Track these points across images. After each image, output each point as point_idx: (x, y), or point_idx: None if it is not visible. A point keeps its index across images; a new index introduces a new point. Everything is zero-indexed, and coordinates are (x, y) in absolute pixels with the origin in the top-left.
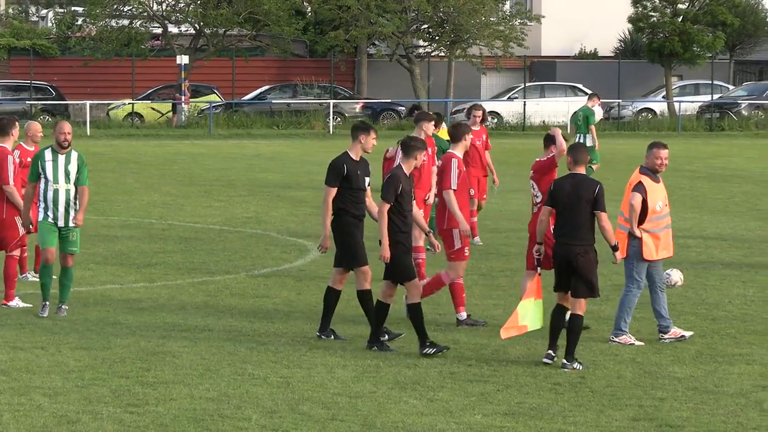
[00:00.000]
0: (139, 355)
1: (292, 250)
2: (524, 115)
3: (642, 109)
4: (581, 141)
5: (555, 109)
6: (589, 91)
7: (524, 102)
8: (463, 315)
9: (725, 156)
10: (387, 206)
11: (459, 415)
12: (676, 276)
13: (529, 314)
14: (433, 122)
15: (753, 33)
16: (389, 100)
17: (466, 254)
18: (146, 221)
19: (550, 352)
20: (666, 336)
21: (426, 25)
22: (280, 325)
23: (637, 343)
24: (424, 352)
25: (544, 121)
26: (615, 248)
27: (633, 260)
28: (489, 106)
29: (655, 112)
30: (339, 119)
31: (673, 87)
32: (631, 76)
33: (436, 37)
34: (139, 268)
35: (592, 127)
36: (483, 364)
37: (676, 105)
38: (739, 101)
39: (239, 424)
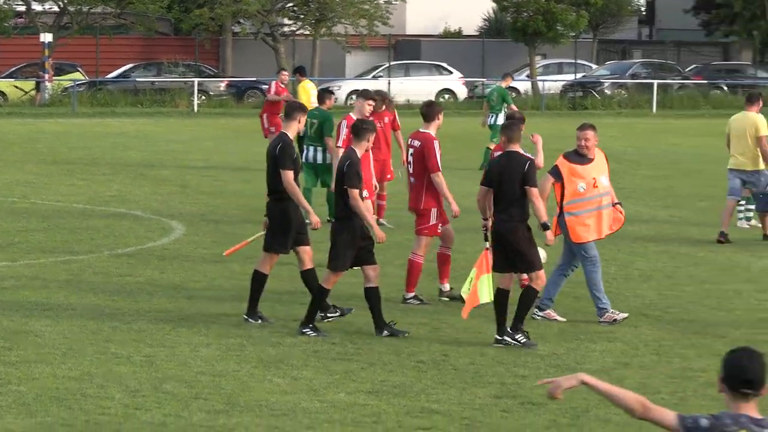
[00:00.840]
0: (1, 334)
1: (156, 229)
2: (389, 94)
3: (506, 87)
4: (495, 120)
5: (419, 87)
6: (454, 70)
7: (389, 81)
8: (411, 294)
9: None
10: (357, 192)
11: (323, 393)
12: (542, 254)
13: (485, 289)
14: (372, 100)
15: (616, 12)
16: (254, 79)
17: (439, 231)
18: (8, 200)
19: (498, 337)
20: (540, 313)
21: (291, 4)
22: (144, 304)
23: (620, 316)
24: (383, 334)
25: (408, 100)
26: (545, 227)
27: (574, 241)
28: (354, 84)
29: (519, 91)
30: (203, 98)
31: (537, 66)
32: (496, 55)
33: (302, 16)
34: (1, 247)
35: (513, 106)
36: (347, 343)
37: (540, 84)
38: (602, 80)
39: (102, 403)
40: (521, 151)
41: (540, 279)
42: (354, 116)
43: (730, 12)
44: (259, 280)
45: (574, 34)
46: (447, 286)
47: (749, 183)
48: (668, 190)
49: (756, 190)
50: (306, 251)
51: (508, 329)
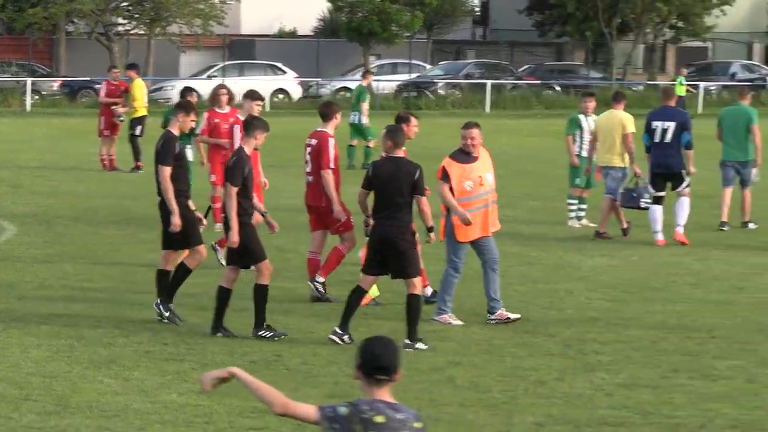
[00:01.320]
0: None
1: None
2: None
3: (340, 87)
4: (357, 119)
5: (254, 87)
6: (288, 70)
7: (223, 81)
8: (321, 280)
9: (422, 134)
10: (235, 189)
11: (154, 394)
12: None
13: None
14: (260, 101)
15: (450, 13)
16: (88, 78)
17: (352, 223)
18: None
19: (337, 329)
20: (492, 317)
21: (126, 3)
22: None
23: (456, 322)
24: (260, 333)
25: None
26: (430, 229)
27: (448, 241)
28: (188, 84)
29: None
30: (36, 97)
31: (372, 66)
32: (330, 55)
33: (136, 15)
34: None
35: (364, 105)
36: (180, 343)
37: (375, 84)
38: (436, 80)
39: None
40: (407, 157)
41: (417, 285)
42: (242, 118)
43: (563, 13)
44: (166, 276)
45: (408, 34)
46: (322, 279)
47: (616, 179)
48: (501, 190)
49: (625, 188)
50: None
51: (407, 341)
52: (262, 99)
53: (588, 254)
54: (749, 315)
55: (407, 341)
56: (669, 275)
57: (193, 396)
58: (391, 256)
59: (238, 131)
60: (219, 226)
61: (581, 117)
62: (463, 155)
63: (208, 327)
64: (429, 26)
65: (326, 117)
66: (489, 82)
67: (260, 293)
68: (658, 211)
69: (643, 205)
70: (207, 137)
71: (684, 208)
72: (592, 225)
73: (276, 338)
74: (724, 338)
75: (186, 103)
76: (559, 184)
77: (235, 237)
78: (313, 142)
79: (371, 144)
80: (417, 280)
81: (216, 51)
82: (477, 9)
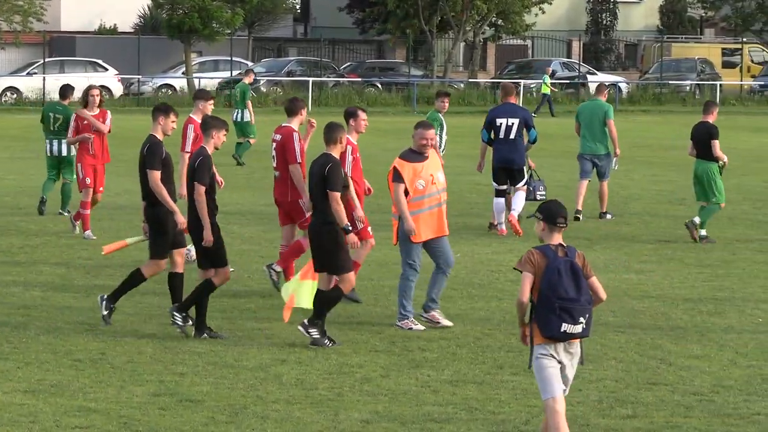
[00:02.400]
0: None
1: None
2: (44, 91)
3: (162, 85)
4: (240, 117)
5: (74, 84)
6: (109, 67)
7: (44, 77)
8: (278, 269)
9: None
10: (203, 188)
11: None
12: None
13: (305, 295)
14: (211, 100)
15: (271, 10)
16: None
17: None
18: None
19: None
20: (425, 315)
21: None
22: None
23: (417, 327)
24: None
25: None
26: (346, 230)
27: (401, 244)
28: (8, 81)
29: (175, 88)
30: None
31: (193, 63)
32: (151, 52)
33: None
34: None
35: (249, 102)
36: (3, 342)
37: (196, 81)
38: (258, 78)
39: None
40: (334, 154)
41: (348, 282)
42: (196, 118)
43: (384, 10)
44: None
45: (229, 31)
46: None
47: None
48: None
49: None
50: (180, 254)
51: (305, 321)
52: (213, 98)
53: None
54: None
55: (305, 322)
56: (492, 272)
57: (18, 395)
58: (313, 249)
59: (191, 132)
60: (89, 234)
61: (440, 115)
62: (414, 155)
63: (32, 325)
64: (250, 24)
65: (291, 112)
66: (311, 80)
67: (204, 288)
68: (500, 203)
69: (539, 197)
70: (74, 137)
71: (521, 199)
72: None
73: (181, 331)
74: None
75: (164, 106)
76: (380, 182)
77: (209, 235)
78: (278, 137)
79: (252, 141)
80: (344, 277)
81: (36, 48)
82: (298, 6)
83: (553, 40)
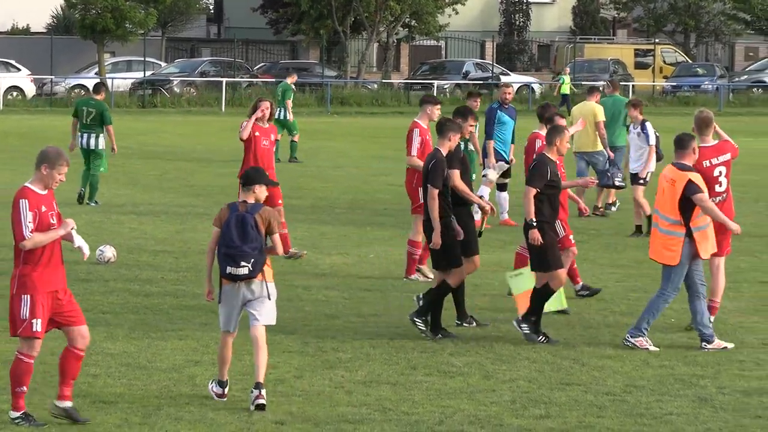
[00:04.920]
0: None
1: None
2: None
3: (75, 85)
4: (282, 115)
5: None
6: (22, 67)
7: None
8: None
9: (158, 132)
10: (437, 191)
11: None
12: (109, 252)
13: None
14: (438, 105)
15: (185, 10)
16: None
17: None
18: None
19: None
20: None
21: None
22: None
23: (653, 348)
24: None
25: None
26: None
27: (681, 265)
28: None
29: (88, 89)
30: None
31: (106, 63)
32: (65, 53)
33: None
34: None
35: (288, 102)
36: None
37: (110, 81)
38: (171, 78)
39: None
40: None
41: (557, 279)
42: (422, 123)
43: (298, 11)
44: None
45: (143, 31)
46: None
47: (592, 163)
48: (236, 189)
49: (599, 168)
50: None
51: (519, 316)
52: (440, 102)
53: (325, 252)
54: (484, 311)
55: (518, 317)
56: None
57: None
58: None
59: (417, 136)
60: None
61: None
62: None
63: None
64: (163, 24)
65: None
66: (224, 80)
67: (443, 290)
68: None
69: (617, 183)
70: None
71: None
72: None
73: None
74: (461, 335)
75: (465, 109)
76: (293, 182)
77: (437, 239)
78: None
79: (296, 138)
80: (552, 274)
81: None
82: (211, 7)
83: (467, 41)
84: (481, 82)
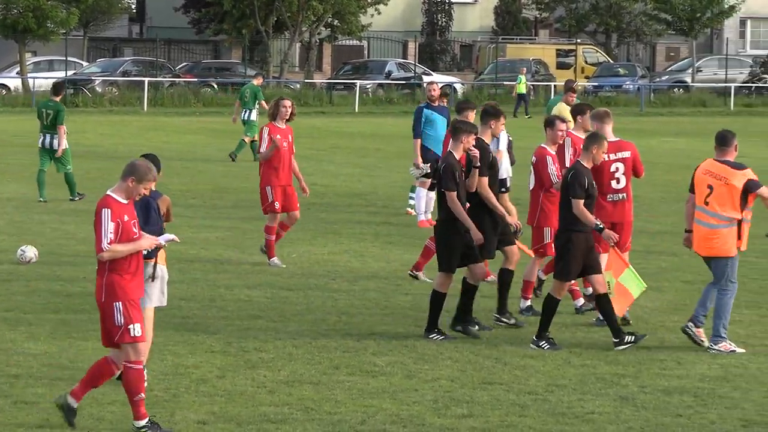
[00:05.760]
0: None
1: None
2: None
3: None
4: (249, 116)
5: None
6: None
7: None
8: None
9: (80, 132)
10: (454, 194)
11: None
12: (30, 252)
13: (632, 284)
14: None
15: (107, 10)
16: None
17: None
18: None
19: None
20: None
21: None
22: None
23: (739, 350)
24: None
25: None
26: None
27: (735, 258)
28: None
29: (9, 88)
30: None
31: (28, 63)
32: None
33: None
34: None
35: (263, 102)
36: None
37: (31, 81)
38: (93, 77)
39: None
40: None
41: (600, 284)
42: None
43: (220, 11)
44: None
45: (64, 31)
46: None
47: None
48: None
49: None
50: (513, 251)
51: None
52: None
53: (247, 252)
54: (406, 311)
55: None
56: (328, 273)
57: None
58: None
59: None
60: None
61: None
62: None
63: None
64: (85, 23)
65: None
66: (146, 80)
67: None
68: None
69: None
70: None
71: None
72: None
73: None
74: (383, 334)
75: (494, 109)
76: (215, 181)
77: (477, 234)
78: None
79: (246, 139)
80: (592, 278)
81: None
82: (133, 6)
83: (389, 41)
84: (404, 82)
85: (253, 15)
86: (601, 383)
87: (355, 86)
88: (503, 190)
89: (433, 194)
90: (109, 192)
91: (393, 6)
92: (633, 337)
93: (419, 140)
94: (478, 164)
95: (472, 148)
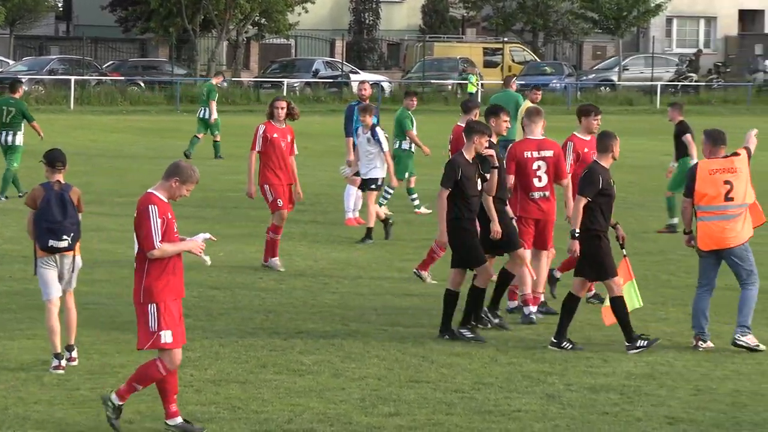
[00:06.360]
0: None
1: None
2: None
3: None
4: (203, 114)
5: None
6: None
7: None
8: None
9: None
10: (446, 192)
11: None
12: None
13: (633, 296)
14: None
15: (33, 8)
16: None
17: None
18: None
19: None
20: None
21: None
22: None
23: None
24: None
25: None
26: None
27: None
28: None
29: None
30: None
31: None
32: None
33: None
34: None
35: (213, 102)
36: None
37: None
38: (19, 76)
39: None
40: (603, 163)
41: (617, 287)
42: (580, 135)
43: (147, 9)
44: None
45: None
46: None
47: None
48: (88, 186)
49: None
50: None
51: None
52: (600, 113)
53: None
54: (333, 309)
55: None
56: (255, 271)
57: None
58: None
59: (571, 149)
60: None
61: (410, 113)
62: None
63: None
64: (11, 21)
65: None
66: (73, 78)
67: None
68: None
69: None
70: None
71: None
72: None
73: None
74: (310, 333)
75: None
76: (144, 180)
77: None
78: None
79: (217, 138)
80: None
81: None
82: (60, 5)
83: (317, 40)
84: (331, 80)
85: (180, 13)
86: (527, 381)
87: (283, 85)
88: (374, 187)
89: (361, 193)
90: (151, 190)
91: (320, 5)
92: (646, 342)
93: (351, 138)
94: (497, 164)
95: (487, 149)
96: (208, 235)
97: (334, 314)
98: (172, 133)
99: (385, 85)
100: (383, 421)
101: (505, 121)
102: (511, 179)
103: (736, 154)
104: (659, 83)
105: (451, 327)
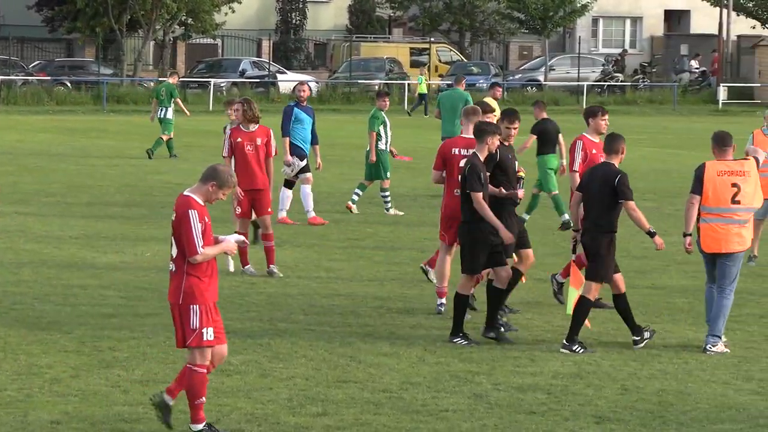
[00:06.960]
0: None
1: None
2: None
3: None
4: (165, 114)
5: None
6: None
7: None
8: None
9: None
10: (480, 195)
11: None
12: None
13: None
14: (606, 115)
15: None
16: None
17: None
18: None
19: None
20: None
21: None
22: None
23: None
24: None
25: None
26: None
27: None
28: None
29: None
30: None
31: None
32: None
33: None
34: None
35: (178, 100)
36: None
37: None
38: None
39: None
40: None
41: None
42: (589, 136)
43: (73, 9)
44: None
45: None
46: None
47: None
48: (14, 186)
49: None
50: (528, 254)
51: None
52: (606, 112)
53: (101, 251)
54: (261, 309)
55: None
56: None
57: None
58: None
59: (580, 150)
60: None
61: (382, 113)
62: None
63: None
64: None
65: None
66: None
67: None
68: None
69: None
70: None
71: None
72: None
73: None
74: (238, 333)
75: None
76: (68, 180)
77: (506, 233)
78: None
79: (164, 137)
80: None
81: None
82: None
83: (244, 40)
84: (258, 80)
85: (107, 13)
86: (455, 381)
87: (209, 85)
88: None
89: (290, 192)
90: (188, 193)
91: (247, 4)
92: (649, 333)
93: (288, 138)
94: (522, 176)
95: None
96: (242, 238)
97: (262, 314)
98: (99, 133)
99: (312, 85)
100: (311, 421)
101: (515, 128)
102: (436, 174)
103: (745, 158)
104: (585, 83)
105: (462, 331)
